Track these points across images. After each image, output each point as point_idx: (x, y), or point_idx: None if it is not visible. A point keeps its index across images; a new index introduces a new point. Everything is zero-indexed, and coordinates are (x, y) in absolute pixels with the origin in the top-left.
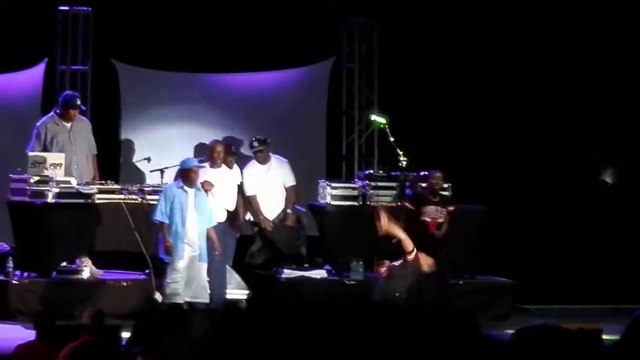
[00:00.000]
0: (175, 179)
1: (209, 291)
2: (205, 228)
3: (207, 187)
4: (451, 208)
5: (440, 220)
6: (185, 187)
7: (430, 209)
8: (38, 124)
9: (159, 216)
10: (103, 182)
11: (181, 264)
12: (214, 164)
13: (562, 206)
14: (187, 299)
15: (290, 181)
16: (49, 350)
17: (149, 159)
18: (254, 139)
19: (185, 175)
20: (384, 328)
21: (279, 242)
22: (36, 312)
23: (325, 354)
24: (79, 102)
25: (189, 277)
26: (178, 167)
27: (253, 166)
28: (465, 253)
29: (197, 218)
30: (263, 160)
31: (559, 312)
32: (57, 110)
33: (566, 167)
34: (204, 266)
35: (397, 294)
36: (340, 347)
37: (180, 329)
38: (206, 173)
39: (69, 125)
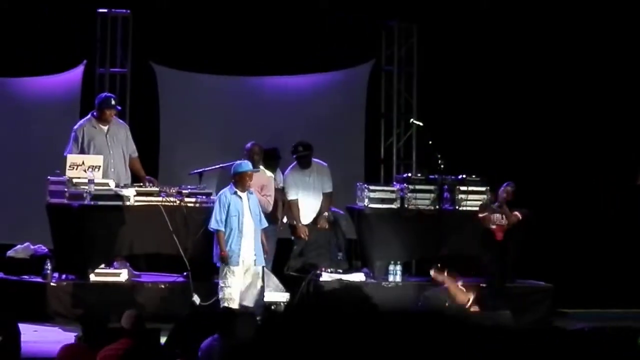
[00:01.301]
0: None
1: (262, 294)
2: (260, 230)
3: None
4: (516, 213)
5: (507, 228)
6: (239, 192)
7: (495, 216)
8: (75, 127)
9: (215, 224)
10: (141, 184)
11: (238, 269)
12: (252, 167)
13: (603, 209)
14: (245, 304)
15: (328, 187)
16: (90, 352)
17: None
18: (298, 143)
19: (239, 179)
20: (425, 335)
21: (317, 245)
22: (83, 315)
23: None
24: (113, 102)
25: (247, 283)
26: (232, 171)
27: (295, 170)
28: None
29: (252, 222)
30: (306, 165)
31: (598, 316)
32: (94, 113)
33: (607, 170)
34: (259, 270)
35: (446, 304)
36: (378, 352)
37: (223, 333)
38: None
39: (105, 128)
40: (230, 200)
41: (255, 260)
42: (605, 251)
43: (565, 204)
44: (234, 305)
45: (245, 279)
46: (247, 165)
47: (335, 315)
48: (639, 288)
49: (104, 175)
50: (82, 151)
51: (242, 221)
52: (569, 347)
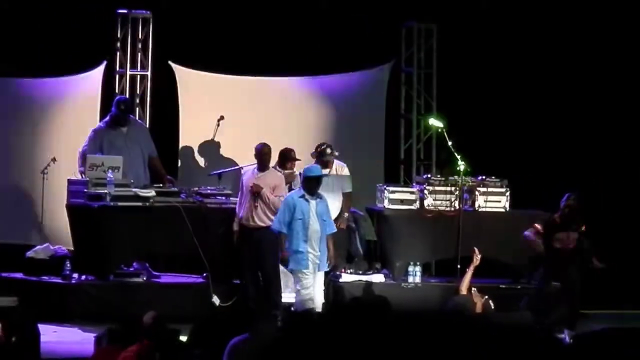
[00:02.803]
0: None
1: (323, 300)
2: (327, 236)
3: (256, 189)
4: (584, 228)
5: (572, 246)
6: (307, 196)
7: (561, 235)
8: (95, 127)
9: (277, 225)
10: (161, 185)
11: (309, 271)
12: (263, 168)
13: (621, 210)
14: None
15: (347, 188)
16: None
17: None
18: (325, 146)
19: (307, 183)
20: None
21: (337, 246)
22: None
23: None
24: (122, 106)
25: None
26: (302, 175)
27: None
28: (524, 258)
29: (318, 226)
30: (330, 167)
31: (619, 318)
32: (111, 115)
33: (625, 170)
34: (321, 275)
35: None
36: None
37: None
38: (255, 176)
39: (125, 129)
40: (296, 203)
41: (318, 265)
42: (628, 252)
43: (585, 204)
44: (313, 305)
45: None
46: (316, 169)
47: (359, 317)
48: None
49: (123, 177)
50: (100, 152)
51: (307, 225)
52: (589, 348)
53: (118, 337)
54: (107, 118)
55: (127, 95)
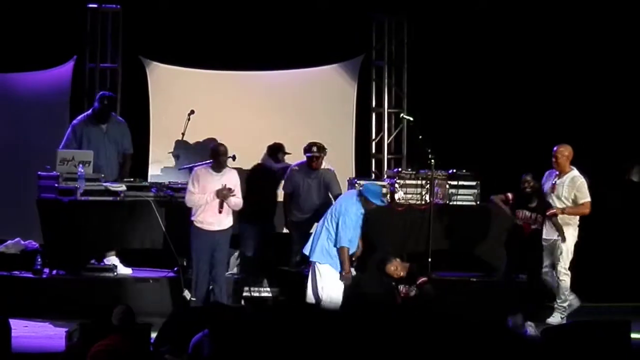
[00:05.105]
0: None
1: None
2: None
3: (227, 192)
4: (552, 210)
5: (534, 227)
6: (363, 213)
7: (525, 213)
8: (74, 122)
9: (347, 243)
10: (132, 179)
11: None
12: (220, 168)
13: (600, 203)
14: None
15: (336, 191)
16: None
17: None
18: (313, 144)
19: (371, 206)
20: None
21: None
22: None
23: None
24: (106, 101)
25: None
26: (365, 193)
27: (302, 167)
28: (495, 251)
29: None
30: (315, 167)
31: (588, 311)
32: (93, 110)
33: (601, 164)
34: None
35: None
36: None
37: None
38: (209, 177)
39: (104, 126)
40: (357, 221)
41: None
42: (597, 246)
43: None
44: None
45: None
46: (379, 195)
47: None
48: (628, 282)
49: (99, 172)
50: (79, 147)
51: (357, 239)
52: (560, 341)
53: (89, 332)
54: (89, 112)
55: (98, 90)
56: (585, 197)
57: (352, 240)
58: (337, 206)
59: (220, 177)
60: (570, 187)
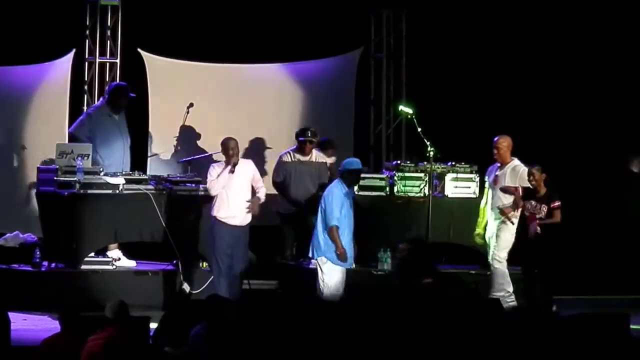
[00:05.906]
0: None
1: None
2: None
3: (256, 201)
4: (556, 203)
5: (540, 216)
6: (348, 190)
7: (531, 203)
8: (90, 110)
9: (336, 222)
10: (131, 172)
11: (343, 270)
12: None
13: (587, 196)
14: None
15: (326, 178)
16: (74, 342)
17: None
18: (307, 128)
19: (352, 175)
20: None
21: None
22: (62, 305)
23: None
24: (132, 95)
25: None
26: (342, 167)
27: (294, 153)
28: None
29: (353, 221)
30: (307, 152)
31: (585, 303)
32: (107, 100)
33: (590, 158)
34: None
35: None
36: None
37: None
38: (225, 171)
39: (117, 117)
40: (343, 201)
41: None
42: (596, 238)
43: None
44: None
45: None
46: (358, 162)
47: (321, 302)
48: (626, 275)
49: (93, 164)
50: (90, 133)
51: (351, 221)
52: (559, 333)
53: (85, 324)
54: (102, 101)
55: (97, 84)
56: (524, 184)
57: (340, 220)
58: (323, 194)
59: (236, 169)
60: (513, 177)
